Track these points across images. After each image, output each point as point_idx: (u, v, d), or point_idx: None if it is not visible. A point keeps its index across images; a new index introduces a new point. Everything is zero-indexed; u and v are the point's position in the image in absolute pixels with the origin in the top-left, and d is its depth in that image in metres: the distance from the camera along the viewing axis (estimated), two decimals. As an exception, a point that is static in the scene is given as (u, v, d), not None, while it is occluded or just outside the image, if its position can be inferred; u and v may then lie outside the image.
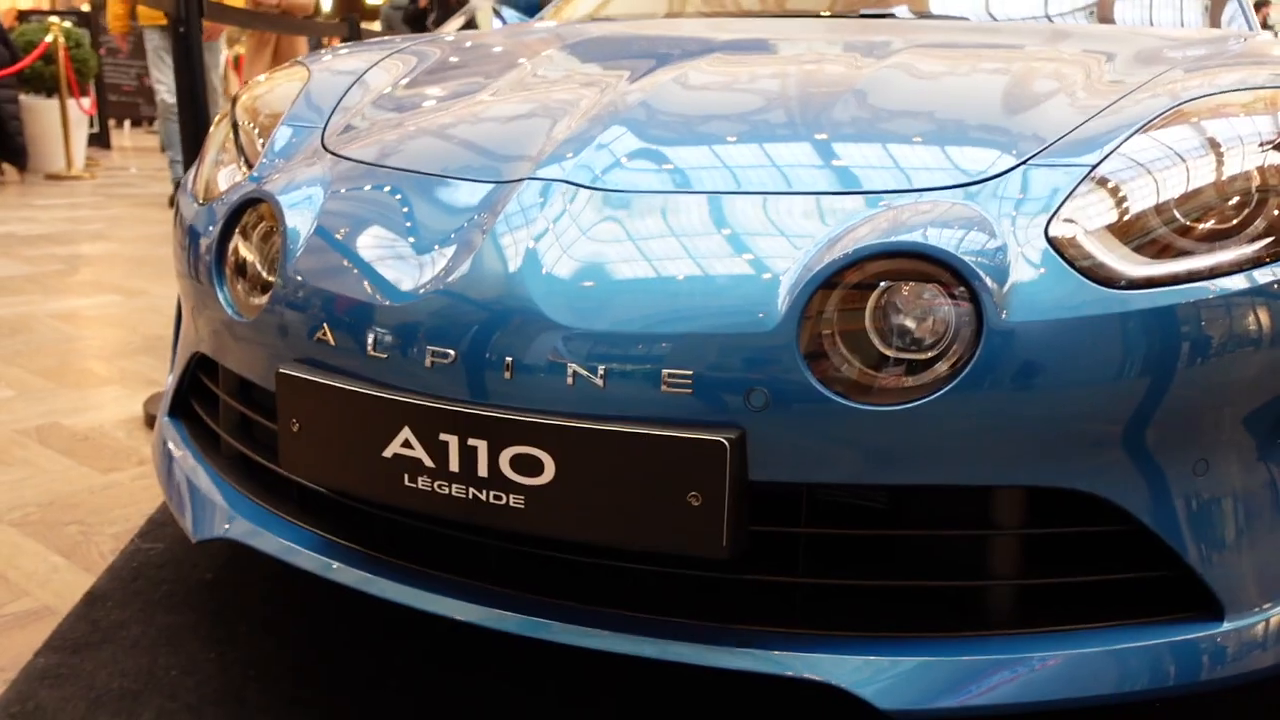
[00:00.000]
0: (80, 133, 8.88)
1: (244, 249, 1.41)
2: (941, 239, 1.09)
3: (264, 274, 1.37)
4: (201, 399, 1.64)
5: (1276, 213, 1.17)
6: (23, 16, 10.77)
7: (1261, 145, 1.21)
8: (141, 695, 1.40)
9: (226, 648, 1.51)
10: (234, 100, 1.80)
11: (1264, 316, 1.12)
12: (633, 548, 1.13)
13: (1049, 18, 2.28)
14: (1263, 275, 1.13)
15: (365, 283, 1.22)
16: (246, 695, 1.40)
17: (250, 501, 1.43)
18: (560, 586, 1.22)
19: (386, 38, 2.13)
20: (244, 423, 1.51)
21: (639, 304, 1.11)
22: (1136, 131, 1.23)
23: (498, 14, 2.82)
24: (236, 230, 1.43)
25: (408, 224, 1.27)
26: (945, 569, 1.18)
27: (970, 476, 1.10)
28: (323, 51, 2.01)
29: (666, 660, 1.13)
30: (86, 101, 9.07)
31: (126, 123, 14.05)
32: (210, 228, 1.46)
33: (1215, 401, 1.12)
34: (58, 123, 8.39)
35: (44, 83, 8.47)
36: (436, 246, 1.22)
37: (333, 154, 1.48)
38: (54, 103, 8.40)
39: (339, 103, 1.65)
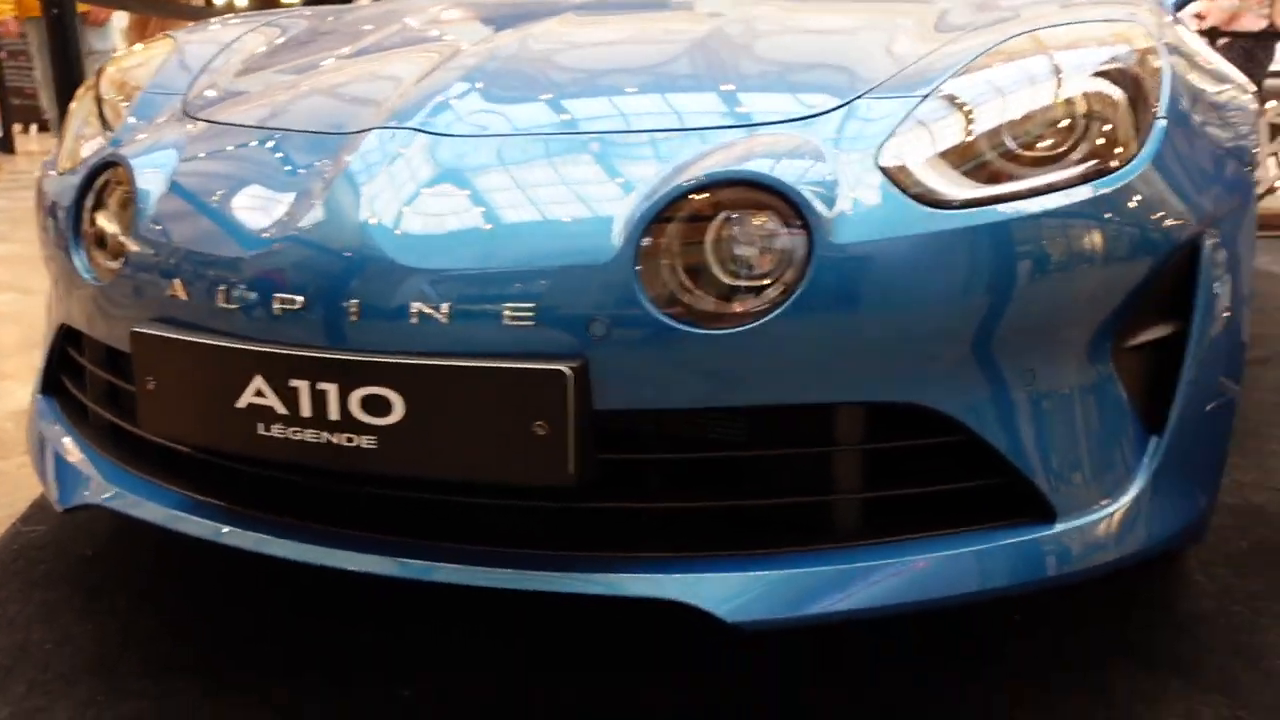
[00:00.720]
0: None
1: (100, 214, 1.41)
2: (773, 168, 1.13)
3: (120, 237, 1.36)
4: (71, 373, 1.63)
5: (1099, 139, 1.22)
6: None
7: (1089, 74, 1.27)
8: (14, 670, 1.39)
9: (104, 618, 1.50)
10: (99, 73, 1.78)
11: (1083, 233, 1.18)
12: (483, 480, 1.16)
13: None
14: (1082, 193, 1.18)
15: (214, 236, 1.23)
16: (121, 663, 1.40)
17: (121, 469, 1.43)
18: (422, 526, 1.24)
19: (259, 13, 2.12)
20: (111, 391, 1.51)
21: (480, 242, 1.13)
22: (966, 65, 1.28)
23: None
24: (91, 195, 1.42)
25: (258, 178, 1.29)
26: (795, 488, 1.22)
27: (809, 395, 1.15)
28: (195, 24, 1.99)
29: (522, 590, 1.16)
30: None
31: (33, 127, 13.65)
32: (67, 195, 1.45)
33: (1038, 313, 1.17)
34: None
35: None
36: (284, 198, 1.23)
37: (192, 118, 1.48)
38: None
39: (202, 70, 1.65)
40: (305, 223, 1.18)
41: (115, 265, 1.34)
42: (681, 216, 1.12)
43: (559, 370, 1.08)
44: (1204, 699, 1.36)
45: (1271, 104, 5.48)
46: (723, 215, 1.12)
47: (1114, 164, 1.20)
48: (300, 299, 1.15)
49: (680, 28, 1.58)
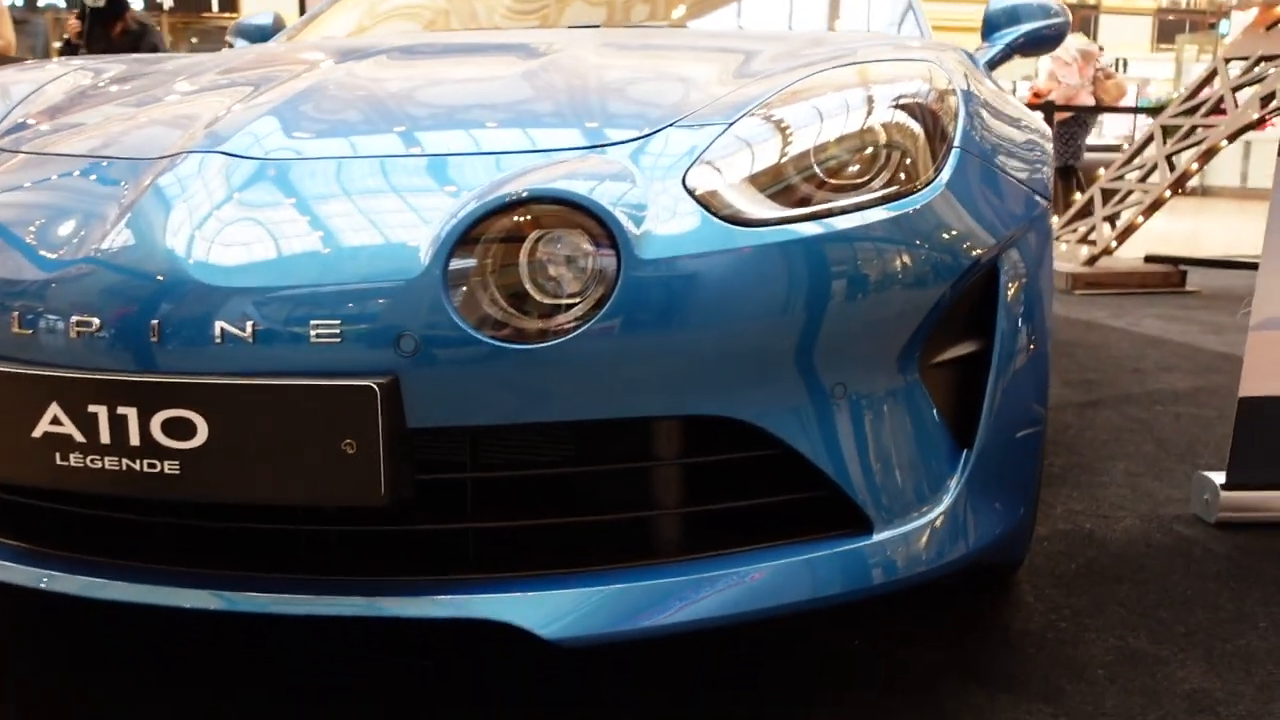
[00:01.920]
0: None
1: None
2: (581, 187, 1.15)
3: None
4: None
5: (899, 170, 1.28)
6: None
7: (890, 105, 1.33)
8: None
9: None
10: None
11: (883, 253, 1.23)
12: (295, 503, 1.13)
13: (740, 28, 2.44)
14: (881, 214, 1.23)
15: (11, 261, 1.19)
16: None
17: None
18: (241, 555, 1.20)
19: (83, 58, 2.08)
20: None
21: (285, 261, 1.12)
22: (774, 95, 1.34)
23: (229, 44, 2.79)
24: None
25: (59, 203, 1.25)
26: (617, 504, 1.22)
27: (622, 410, 1.15)
28: (14, 65, 1.94)
29: (335, 616, 1.13)
30: None
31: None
32: None
33: (843, 329, 1.21)
34: None
35: None
36: (86, 222, 1.20)
37: (1, 150, 1.43)
38: None
39: (15, 106, 1.60)
40: (104, 244, 1.15)
41: None
42: (490, 235, 1.12)
43: (367, 386, 1.07)
44: (1030, 708, 1.40)
45: (1102, 170, 5.84)
46: (534, 234, 1.13)
47: (912, 189, 1.26)
48: (97, 321, 1.11)
49: (503, 66, 1.61)
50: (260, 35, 2.74)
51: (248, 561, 1.20)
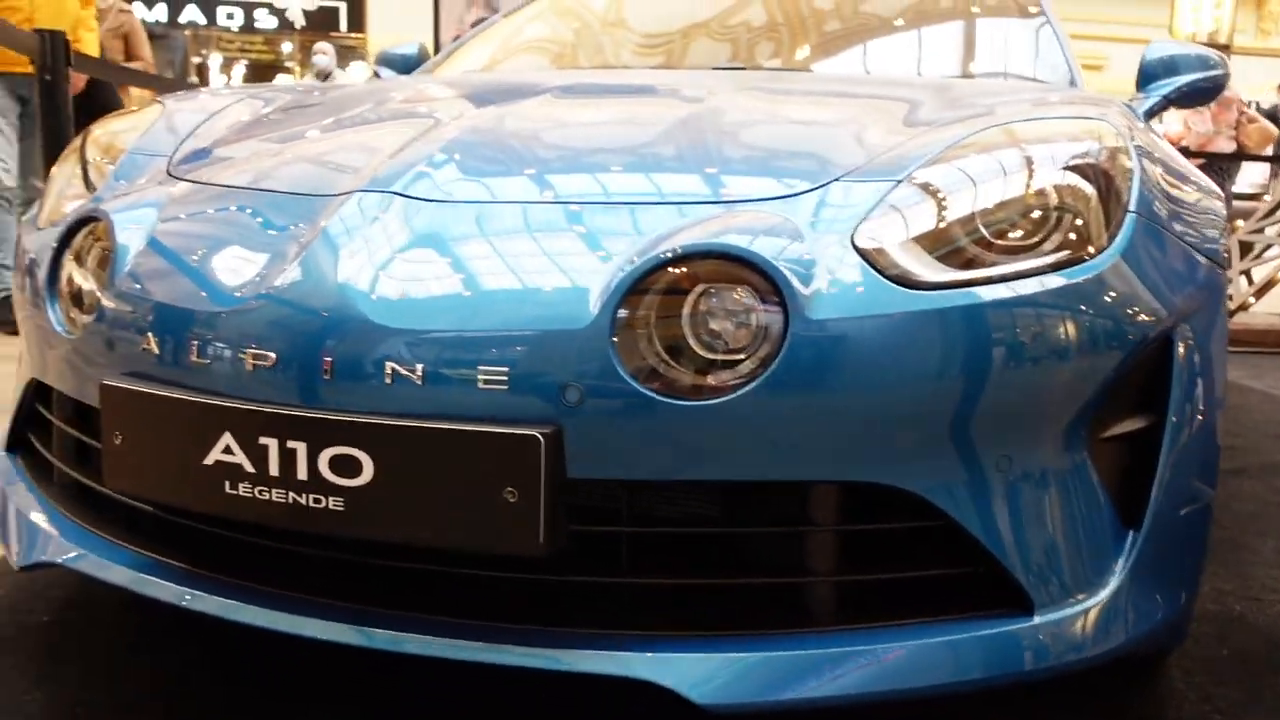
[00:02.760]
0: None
1: (76, 269, 1.40)
2: (749, 243, 1.14)
3: (96, 291, 1.35)
4: (39, 430, 1.60)
5: (1071, 232, 1.24)
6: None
7: (1061, 168, 1.29)
8: (-46, 735, 1.33)
9: (54, 686, 1.45)
10: (84, 134, 1.79)
11: (1055, 321, 1.18)
12: (452, 547, 1.13)
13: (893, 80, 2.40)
14: (1054, 281, 1.19)
15: (190, 292, 1.22)
16: (68, 731, 1.34)
17: (83, 529, 1.39)
18: (390, 594, 1.20)
19: (244, 86, 2.15)
20: (78, 449, 1.48)
21: (456, 305, 1.13)
22: (943, 151, 1.31)
23: (376, 74, 2.87)
24: (70, 250, 1.41)
25: (237, 237, 1.28)
26: (768, 566, 1.20)
27: (783, 472, 1.13)
28: (184, 92, 2.02)
29: (493, 664, 1.13)
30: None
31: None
32: (46, 250, 1.45)
33: (1014, 399, 1.17)
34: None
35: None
36: (261, 256, 1.23)
37: (176, 178, 1.49)
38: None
39: (189, 134, 1.66)
40: (281, 281, 1.17)
41: (88, 319, 1.33)
42: (658, 287, 1.12)
43: (533, 435, 1.07)
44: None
45: (1240, 223, 5.61)
46: (700, 288, 1.12)
47: (1085, 255, 1.22)
48: (273, 355, 1.14)
49: (661, 110, 1.61)
50: (405, 65, 2.81)
51: (387, 598, 1.21)
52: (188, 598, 1.25)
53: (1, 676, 1.47)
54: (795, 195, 1.24)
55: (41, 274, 1.43)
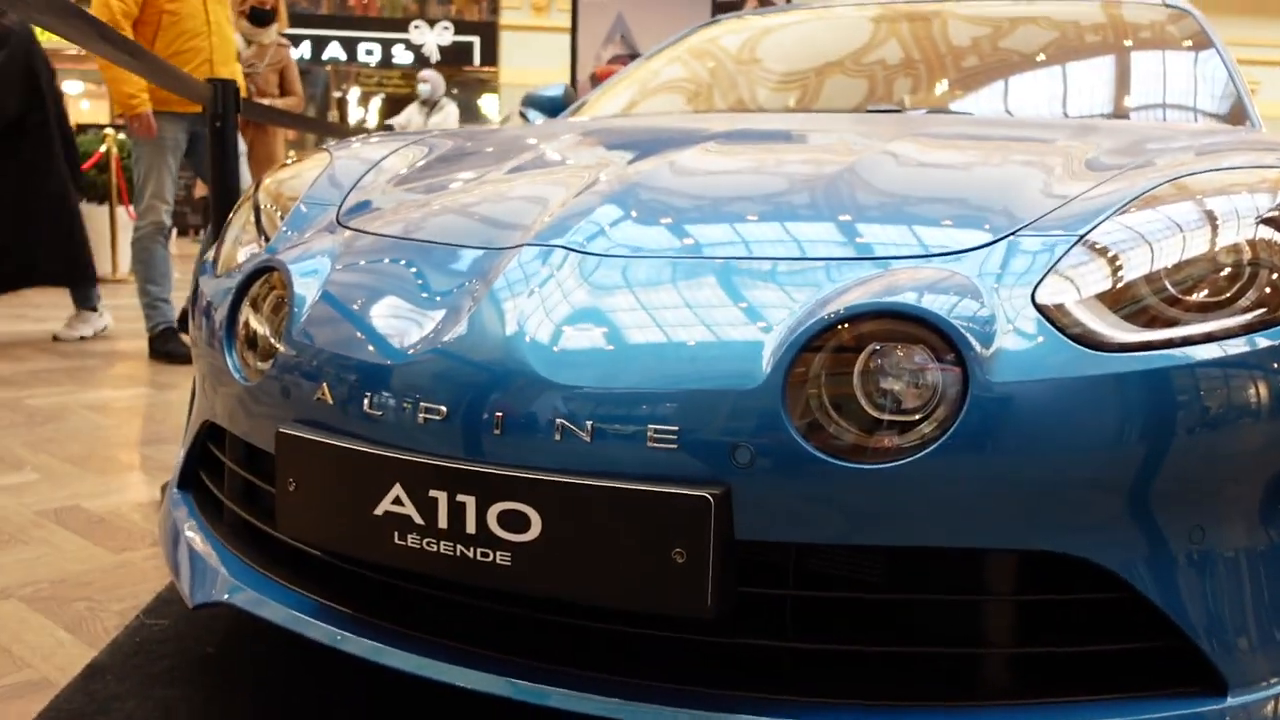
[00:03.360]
0: (126, 238, 9.16)
1: (253, 316, 1.45)
2: (927, 301, 1.11)
3: (271, 339, 1.40)
4: (210, 469, 1.66)
5: (1268, 287, 1.17)
6: (80, 129, 11.23)
7: (1255, 220, 1.23)
8: (129, 764, 1.38)
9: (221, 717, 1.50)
10: (257, 184, 1.87)
11: (1255, 384, 1.12)
12: (618, 606, 1.12)
13: (1064, 114, 2.33)
14: (1250, 343, 1.13)
15: (364, 344, 1.26)
16: (235, 765, 1.38)
17: (250, 568, 1.44)
18: (553, 650, 1.20)
19: (406, 132, 2.21)
20: (249, 491, 1.53)
21: (626, 362, 1.13)
22: (1127, 204, 1.25)
23: (523, 115, 2.93)
24: (247, 298, 1.47)
25: (408, 289, 1.31)
26: (939, 636, 1.15)
27: (957, 539, 1.09)
28: (347, 140, 2.09)
29: (647, 724, 1.11)
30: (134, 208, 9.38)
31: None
32: (224, 296, 1.51)
33: (1208, 467, 1.11)
34: (106, 229, 8.67)
35: (95, 190, 8.79)
36: (434, 309, 1.25)
37: (345, 228, 1.53)
38: (104, 209, 8.70)
39: (356, 184, 1.71)
40: (453, 335, 1.19)
41: (264, 366, 1.37)
42: (831, 346, 1.10)
43: (703, 496, 1.05)
44: None
45: None
46: (874, 346, 1.09)
47: None
48: (444, 409, 1.15)
49: (825, 159, 1.59)
50: (552, 107, 2.86)
51: (541, 653, 1.20)
52: (339, 638, 1.27)
53: (173, 709, 1.52)
54: (972, 250, 1.20)
55: (219, 319, 1.49)
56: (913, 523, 1.08)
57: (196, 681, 1.60)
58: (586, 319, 1.17)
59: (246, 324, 1.46)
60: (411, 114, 9.06)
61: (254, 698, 1.55)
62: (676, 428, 1.08)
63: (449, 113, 9.05)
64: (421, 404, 1.17)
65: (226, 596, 1.40)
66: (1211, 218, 1.23)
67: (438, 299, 1.27)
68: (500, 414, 1.13)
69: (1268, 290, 1.17)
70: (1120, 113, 2.36)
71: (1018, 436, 1.06)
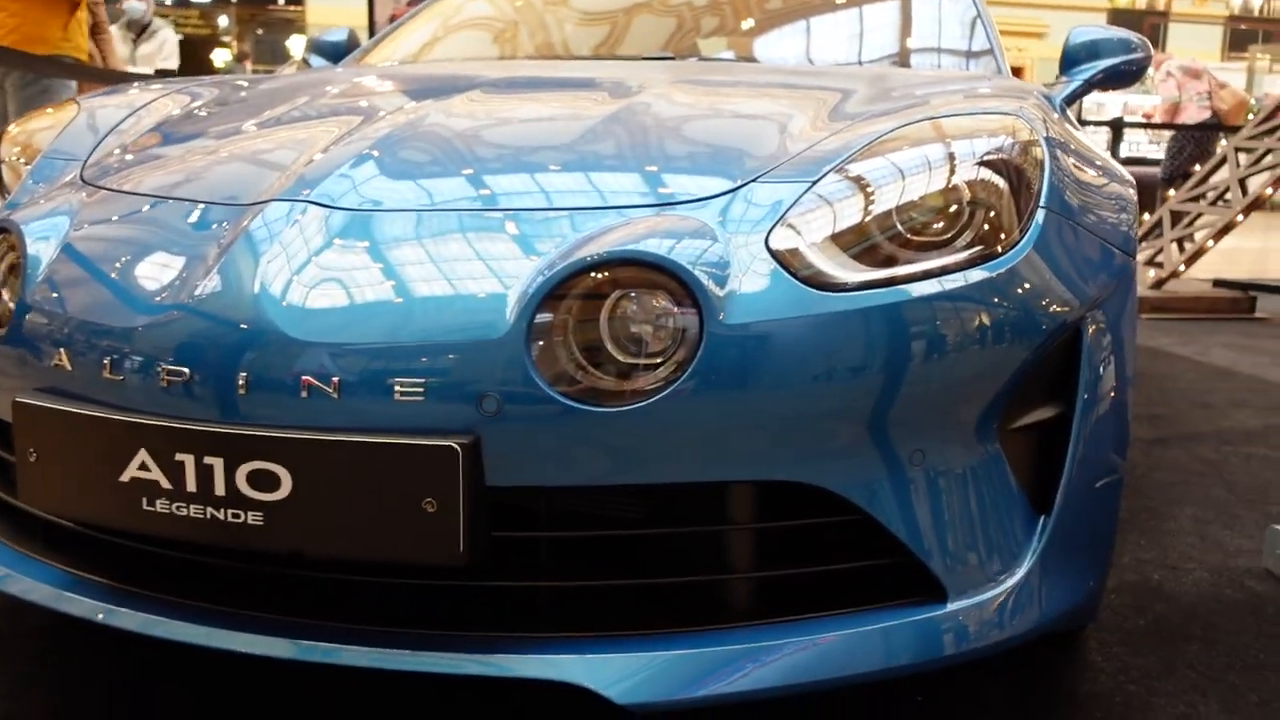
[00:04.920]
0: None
1: None
2: (664, 248, 1.15)
3: (8, 304, 1.33)
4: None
5: (985, 225, 1.27)
6: None
7: (974, 163, 1.32)
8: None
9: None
10: (2, 133, 1.76)
11: (969, 316, 1.21)
12: (374, 558, 1.14)
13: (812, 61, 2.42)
14: (967, 278, 1.22)
15: (102, 306, 1.21)
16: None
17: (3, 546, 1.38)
18: (314, 606, 1.21)
19: (169, 79, 2.11)
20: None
21: (371, 317, 1.13)
22: (855, 151, 1.33)
23: (306, 61, 2.83)
24: None
25: (150, 249, 1.27)
26: (688, 565, 1.22)
27: (702, 474, 1.15)
28: (100, 90, 1.98)
29: (416, 671, 1.14)
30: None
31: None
32: (-45, 259, 1.42)
33: (926, 395, 1.20)
34: None
35: None
36: (176, 268, 1.22)
37: (89, 184, 1.46)
38: None
39: (104, 137, 1.63)
40: (196, 294, 1.17)
41: (3, 332, 1.31)
42: (574, 294, 1.13)
43: (449, 446, 1.07)
44: (1097, 778, 1.37)
45: (1173, 193, 5.73)
46: (616, 294, 1.13)
47: (998, 249, 1.24)
48: (187, 370, 1.13)
49: (583, 108, 1.61)
50: (335, 52, 2.77)
51: (311, 610, 1.21)
52: (105, 613, 1.24)
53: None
54: (712, 198, 1.25)
55: (-49, 286, 1.40)
56: (659, 461, 1.13)
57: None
58: (331, 276, 1.16)
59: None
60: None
61: (15, 680, 1.50)
62: (422, 380, 1.09)
63: (163, 39, 7.52)
64: (163, 366, 1.14)
65: (-16, 579, 1.34)
66: (933, 162, 1.32)
67: (179, 259, 1.23)
68: (245, 374, 1.11)
69: (984, 228, 1.26)
70: (890, 57, 2.47)
71: (751, 374, 1.12)
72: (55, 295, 1.25)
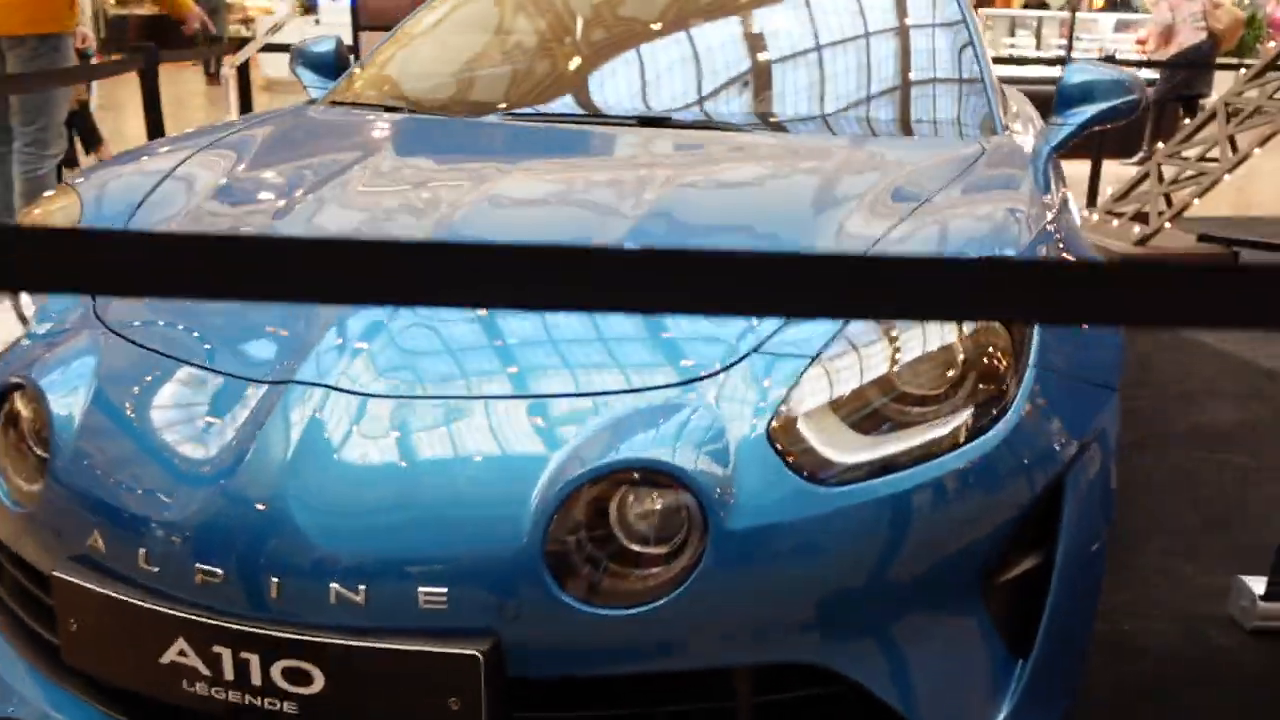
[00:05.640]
0: None
1: (14, 436, 1.41)
2: (664, 450, 1.21)
3: (37, 453, 1.37)
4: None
5: (979, 392, 1.32)
6: None
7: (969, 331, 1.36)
8: None
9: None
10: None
11: (960, 492, 1.28)
12: (401, 749, 1.22)
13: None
14: (960, 456, 1.28)
15: (132, 493, 1.26)
16: None
17: (41, 677, 1.44)
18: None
19: (168, 146, 2.06)
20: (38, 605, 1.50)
21: (393, 529, 1.19)
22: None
23: (296, 73, 2.78)
24: (2, 413, 1.42)
25: (176, 425, 1.31)
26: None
27: (709, 661, 1.24)
28: (97, 168, 1.95)
29: None
30: None
31: None
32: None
33: (921, 569, 1.28)
34: None
35: None
36: (203, 456, 1.26)
37: (104, 326, 1.47)
38: None
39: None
40: (224, 493, 1.22)
41: (35, 489, 1.34)
42: (585, 500, 1.19)
43: (473, 654, 1.15)
44: None
45: (1160, 145, 5.73)
46: (619, 498, 1.20)
47: (989, 419, 1.31)
48: (221, 571, 1.19)
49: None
50: (325, 66, 2.70)
51: None
52: None
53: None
54: (709, 376, 1.30)
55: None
56: (669, 653, 1.22)
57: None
58: (354, 478, 1.22)
59: (11, 445, 1.41)
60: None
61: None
62: (445, 591, 1.16)
63: None
64: (198, 565, 1.20)
65: (11, 710, 1.42)
66: (928, 326, 1.36)
67: (206, 443, 1.27)
68: (275, 578, 1.18)
69: (978, 394, 1.32)
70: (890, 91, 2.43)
71: (753, 570, 1.20)
72: (85, 471, 1.30)
